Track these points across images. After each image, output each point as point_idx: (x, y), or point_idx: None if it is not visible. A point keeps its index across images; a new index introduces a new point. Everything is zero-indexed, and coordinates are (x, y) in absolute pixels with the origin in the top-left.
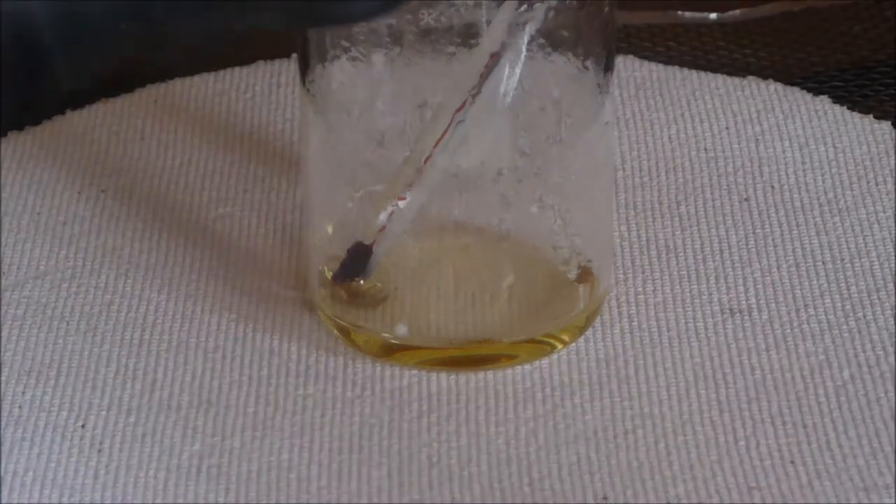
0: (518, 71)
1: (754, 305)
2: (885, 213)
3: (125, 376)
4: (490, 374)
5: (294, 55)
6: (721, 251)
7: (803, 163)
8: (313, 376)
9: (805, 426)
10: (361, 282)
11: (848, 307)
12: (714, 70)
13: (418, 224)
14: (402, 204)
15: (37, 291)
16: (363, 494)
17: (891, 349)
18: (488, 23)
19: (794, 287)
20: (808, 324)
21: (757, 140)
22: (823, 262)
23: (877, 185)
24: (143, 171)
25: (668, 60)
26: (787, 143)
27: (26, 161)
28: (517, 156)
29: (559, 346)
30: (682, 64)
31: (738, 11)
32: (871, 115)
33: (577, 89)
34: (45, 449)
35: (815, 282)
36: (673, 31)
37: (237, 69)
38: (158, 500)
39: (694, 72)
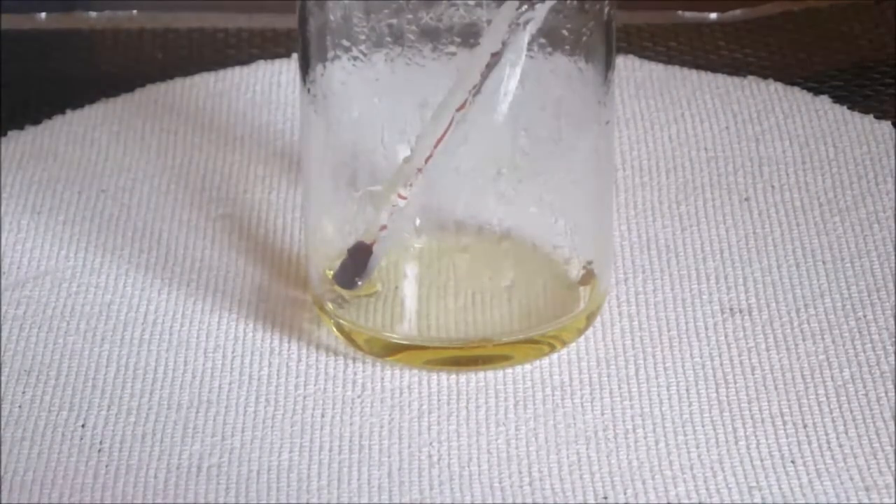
0: (518, 71)
1: (754, 305)
2: (885, 212)
3: (125, 376)
4: (490, 374)
5: (294, 55)
6: (721, 251)
7: (803, 162)
8: (313, 376)
9: (805, 426)
10: (360, 283)
11: (848, 307)
12: (714, 70)
13: (418, 224)
14: (402, 203)
15: (37, 291)
16: (363, 494)
17: (891, 349)
18: (488, 23)
19: (794, 287)
20: (808, 324)
21: (757, 140)
22: (823, 262)
23: (877, 184)
24: (143, 171)
25: (668, 60)
26: (787, 143)
27: (26, 161)
28: (517, 155)
29: (559, 346)
30: (682, 64)
31: (738, 11)
32: (871, 115)
33: (577, 89)
34: (45, 449)
35: (815, 282)
36: (673, 31)
37: (237, 69)
38: (158, 500)
39: (694, 72)
